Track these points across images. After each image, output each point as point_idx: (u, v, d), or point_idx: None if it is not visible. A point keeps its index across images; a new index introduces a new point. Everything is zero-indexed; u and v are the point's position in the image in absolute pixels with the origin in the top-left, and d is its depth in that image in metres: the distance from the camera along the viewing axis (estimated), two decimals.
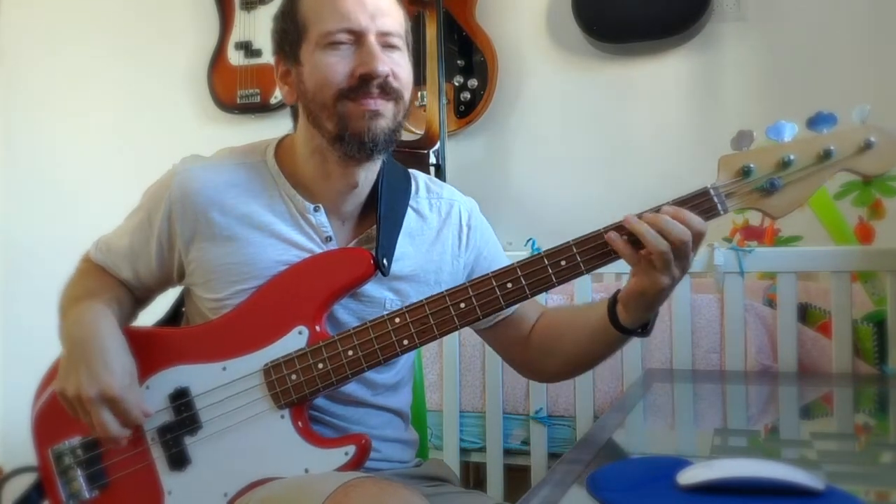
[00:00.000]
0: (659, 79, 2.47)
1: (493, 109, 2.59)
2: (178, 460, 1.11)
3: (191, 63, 2.92)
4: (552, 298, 1.97)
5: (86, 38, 3.06)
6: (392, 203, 1.17)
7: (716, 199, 1.01)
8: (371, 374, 1.13)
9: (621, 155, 2.50)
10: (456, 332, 1.12)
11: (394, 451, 1.22)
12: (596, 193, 2.44)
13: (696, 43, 2.42)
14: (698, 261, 1.78)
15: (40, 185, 3.11)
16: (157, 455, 1.12)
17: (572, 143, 2.55)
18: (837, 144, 0.99)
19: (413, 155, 2.27)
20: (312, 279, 1.11)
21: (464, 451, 2.02)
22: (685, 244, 0.99)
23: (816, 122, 1.00)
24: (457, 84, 2.57)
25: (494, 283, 1.06)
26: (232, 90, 2.81)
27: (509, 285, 1.06)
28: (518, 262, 1.06)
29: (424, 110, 2.30)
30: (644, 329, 1.10)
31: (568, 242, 1.04)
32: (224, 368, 1.11)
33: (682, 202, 1.01)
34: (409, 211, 1.20)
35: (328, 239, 1.14)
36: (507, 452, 1.99)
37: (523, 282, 1.05)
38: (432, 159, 2.35)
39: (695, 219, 1.00)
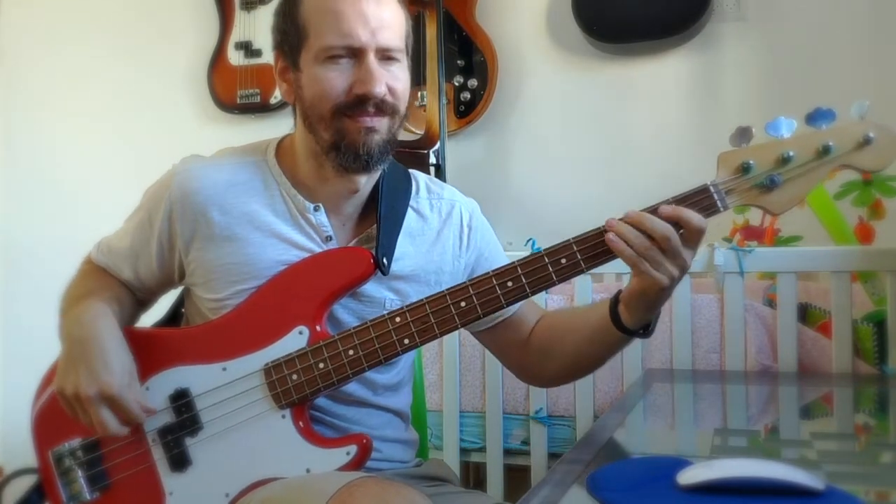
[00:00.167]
0: (659, 79, 2.47)
1: (493, 109, 2.59)
2: (179, 461, 1.11)
3: (191, 63, 2.92)
4: (552, 298, 1.97)
5: (86, 38, 3.05)
6: (392, 203, 1.17)
7: (715, 196, 1.01)
8: (371, 374, 1.13)
9: (621, 155, 2.50)
10: (456, 332, 1.12)
11: (394, 451, 1.22)
12: (596, 193, 2.44)
13: (696, 43, 2.42)
14: (698, 261, 1.78)
15: (40, 185, 3.10)
16: (158, 456, 1.12)
17: (572, 143, 2.55)
18: (836, 140, 0.99)
19: (413, 155, 2.27)
20: (312, 278, 1.11)
21: (464, 451, 2.02)
22: (669, 241, 0.99)
23: (815, 118, 1.00)
24: (457, 84, 2.57)
25: (495, 282, 1.06)
26: (232, 90, 2.80)
27: (510, 284, 1.06)
28: (518, 261, 1.06)
29: (424, 110, 2.30)
30: (646, 330, 1.10)
31: (568, 240, 1.05)
32: (224, 369, 1.11)
33: (682, 199, 1.01)
34: (410, 211, 1.20)
35: (328, 238, 1.14)
36: (507, 452, 1.99)
37: (524, 280, 1.05)
38: (432, 159, 2.35)
39: (694, 216, 1.00)
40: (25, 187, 3.13)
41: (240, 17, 2.81)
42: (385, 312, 1.09)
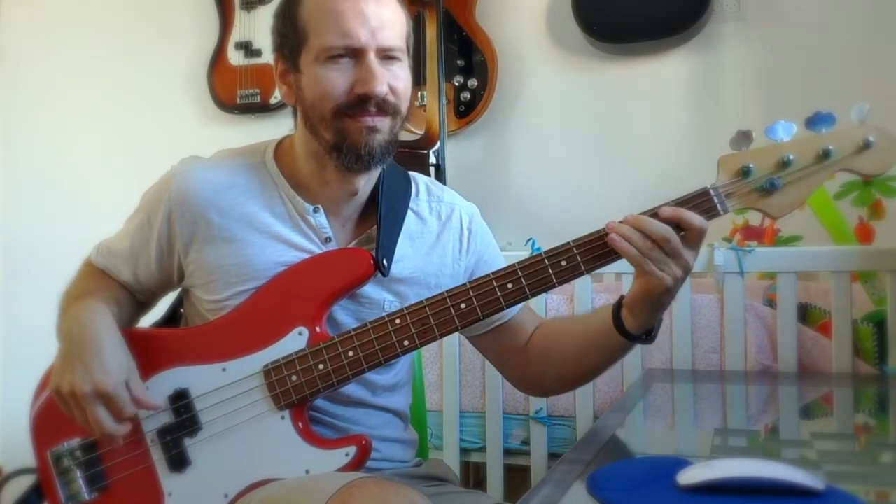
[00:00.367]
0: (659, 79, 2.47)
1: (493, 109, 2.59)
2: (179, 462, 1.11)
3: (191, 63, 2.92)
4: (552, 298, 1.97)
5: (86, 38, 3.05)
6: (393, 204, 1.17)
7: (715, 200, 1.01)
8: (370, 375, 1.13)
9: (621, 155, 2.50)
10: (456, 333, 1.12)
11: (394, 450, 1.22)
12: (596, 193, 2.44)
13: (696, 43, 2.42)
14: (698, 261, 1.77)
15: (40, 185, 3.10)
16: (157, 457, 1.12)
17: (572, 143, 2.55)
18: (836, 144, 0.99)
19: (413, 155, 2.27)
20: (312, 279, 1.11)
21: (464, 451, 2.02)
22: (669, 242, 0.99)
23: (815, 121, 1.00)
24: (457, 84, 2.57)
25: (495, 284, 1.06)
26: (232, 90, 2.80)
27: (510, 286, 1.05)
28: (518, 263, 1.06)
29: (424, 110, 2.30)
30: (648, 336, 1.10)
31: (568, 243, 1.04)
32: (224, 369, 1.11)
33: (682, 202, 1.01)
34: (409, 213, 1.20)
35: (328, 240, 1.14)
36: (507, 452, 1.99)
37: (524, 282, 1.05)
38: (432, 159, 2.35)
39: (695, 217, 1.00)
40: (25, 187, 3.13)
41: (240, 17, 2.81)
42: (384, 314, 1.09)
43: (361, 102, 1.07)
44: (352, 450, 1.07)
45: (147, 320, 1.26)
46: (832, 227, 1.90)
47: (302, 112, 1.12)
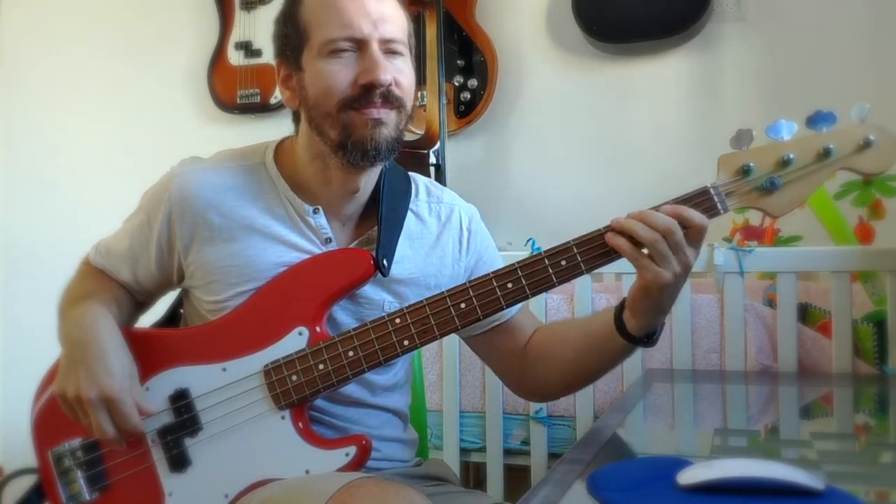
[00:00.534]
0: (659, 79, 2.47)
1: (493, 109, 2.59)
2: (179, 462, 1.11)
3: (191, 63, 2.92)
4: (552, 298, 1.97)
5: (86, 38, 3.05)
6: (393, 204, 1.17)
7: (716, 199, 1.01)
8: (370, 376, 1.13)
9: (621, 155, 2.50)
10: (456, 333, 1.12)
11: (393, 450, 1.22)
12: (596, 193, 2.44)
13: (696, 43, 2.42)
14: (698, 261, 1.77)
15: (40, 185, 3.11)
16: (158, 457, 1.12)
17: (572, 143, 2.55)
18: (837, 143, 0.99)
19: (413, 155, 2.27)
20: (312, 280, 1.11)
21: (464, 451, 2.02)
22: (674, 234, 0.98)
23: (816, 120, 1.00)
24: (457, 84, 2.57)
25: (495, 284, 1.06)
26: (232, 90, 2.80)
27: (510, 285, 1.05)
28: (518, 263, 1.06)
29: (424, 110, 2.30)
30: (650, 338, 1.10)
31: (568, 242, 1.04)
32: (224, 369, 1.11)
33: (682, 201, 1.01)
34: (409, 214, 1.19)
35: (328, 241, 1.14)
36: (507, 452, 1.99)
37: (524, 282, 1.05)
38: (432, 159, 2.35)
39: (695, 214, 0.99)
40: (25, 187, 3.13)
41: (240, 17, 2.81)
42: (384, 314, 1.09)
43: (366, 94, 1.06)
44: (352, 450, 1.07)
45: (147, 320, 1.26)
46: (832, 227, 1.90)
47: (306, 112, 1.11)
